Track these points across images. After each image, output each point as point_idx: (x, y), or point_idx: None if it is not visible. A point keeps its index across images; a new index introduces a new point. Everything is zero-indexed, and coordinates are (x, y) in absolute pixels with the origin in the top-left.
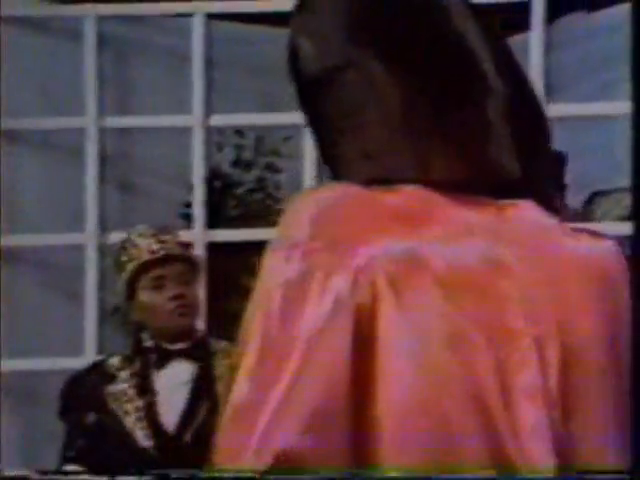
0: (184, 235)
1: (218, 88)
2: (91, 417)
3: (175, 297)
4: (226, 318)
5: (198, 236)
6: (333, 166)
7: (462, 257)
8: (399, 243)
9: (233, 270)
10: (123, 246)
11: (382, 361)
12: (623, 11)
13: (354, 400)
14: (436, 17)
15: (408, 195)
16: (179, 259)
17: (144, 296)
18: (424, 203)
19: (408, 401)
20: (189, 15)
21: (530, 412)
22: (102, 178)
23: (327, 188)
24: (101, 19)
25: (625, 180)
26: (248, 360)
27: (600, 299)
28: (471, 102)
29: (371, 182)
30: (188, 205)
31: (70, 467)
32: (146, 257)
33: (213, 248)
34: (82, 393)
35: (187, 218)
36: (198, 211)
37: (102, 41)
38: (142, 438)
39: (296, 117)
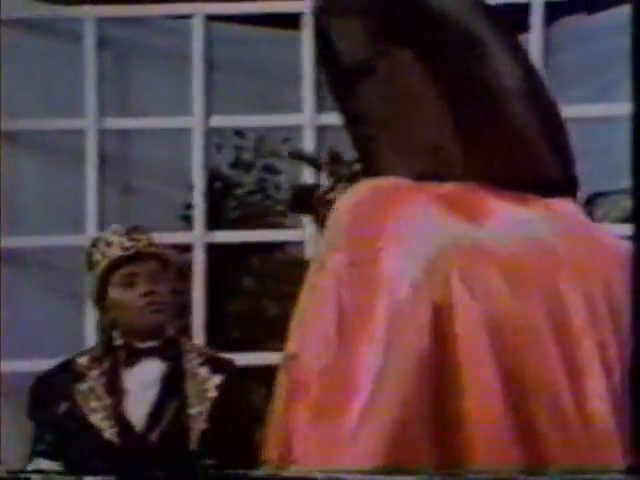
0: (184, 236)
1: (218, 89)
2: (59, 411)
3: (146, 294)
4: (226, 319)
5: (198, 237)
6: (373, 161)
7: (521, 249)
8: (462, 232)
9: (233, 271)
10: (95, 244)
11: (463, 362)
12: (622, 13)
13: (437, 393)
14: (457, 19)
15: (460, 188)
16: (150, 257)
17: (115, 293)
18: (476, 196)
19: (495, 406)
20: (189, 17)
21: (599, 411)
22: (102, 179)
23: (383, 179)
24: (101, 21)
25: (624, 182)
26: (324, 357)
27: (633, 289)
28: (497, 104)
29: (420, 178)
30: (188, 206)
31: (40, 461)
32: (118, 254)
33: (213, 249)
34: (50, 391)
35: (187, 219)
36: (198, 212)
37: (102, 43)
38: (109, 435)
39: (295, 118)
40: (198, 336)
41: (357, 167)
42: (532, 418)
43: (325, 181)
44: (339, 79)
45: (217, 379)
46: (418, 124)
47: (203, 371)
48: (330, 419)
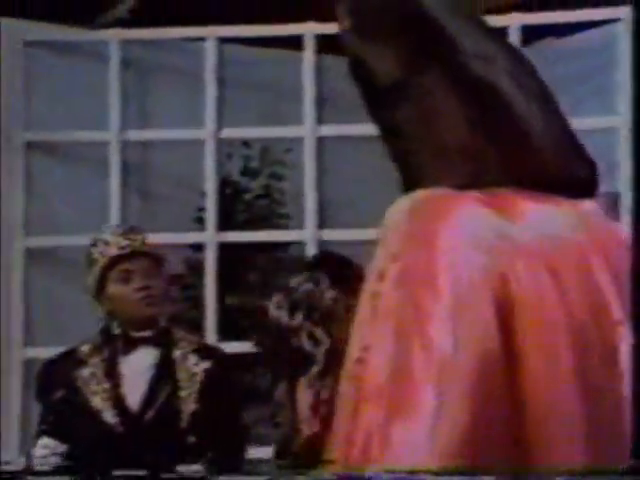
0: (198, 236)
1: (228, 104)
2: (59, 394)
3: (141, 289)
4: (232, 311)
5: (210, 237)
6: (413, 173)
7: (560, 245)
8: (509, 232)
9: (241, 267)
10: (95, 243)
11: (531, 354)
12: (586, 37)
13: (507, 388)
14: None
15: (496, 193)
16: (144, 255)
17: (113, 288)
18: (511, 199)
19: (558, 402)
20: (202, 39)
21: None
22: (124, 186)
23: (431, 191)
24: (124, 43)
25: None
26: (393, 358)
27: None
28: (515, 112)
29: (460, 186)
30: (201, 209)
31: (44, 438)
32: (115, 253)
33: (224, 248)
34: (55, 376)
35: (200, 221)
36: (210, 215)
37: (125, 63)
38: (108, 416)
39: (297, 130)
40: (210, 325)
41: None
42: (600, 413)
43: None
44: (374, 96)
45: (205, 364)
46: (452, 135)
47: (193, 357)
48: (405, 417)
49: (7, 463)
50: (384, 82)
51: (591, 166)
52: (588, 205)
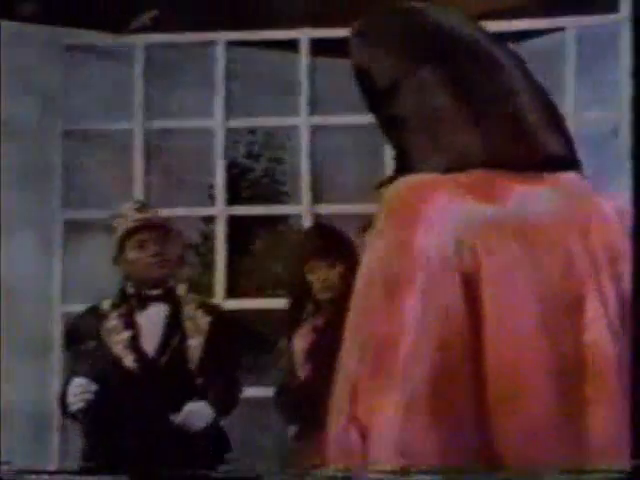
0: (209, 210)
1: (235, 98)
2: (90, 345)
3: (154, 255)
4: (240, 274)
5: (220, 211)
6: (408, 159)
7: (535, 221)
8: (485, 211)
9: (247, 237)
10: (115, 216)
11: (492, 319)
12: (541, 42)
13: (470, 353)
14: (469, 37)
15: (480, 174)
16: (157, 226)
17: (130, 254)
18: (488, 181)
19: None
20: (214, 43)
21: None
22: (146, 168)
23: (422, 176)
24: (147, 46)
25: None
26: (377, 326)
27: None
28: (503, 99)
29: (447, 170)
30: (212, 187)
31: (75, 379)
32: (132, 225)
33: (232, 221)
34: (82, 330)
35: (212, 198)
36: (219, 192)
37: (148, 63)
38: (128, 362)
39: (294, 120)
40: (219, 286)
41: None
42: (561, 369)
43: None
44: (373, 96)
45: (208, 318)
46: (443, 126)
47: (197, 313)
48: (384, 377)
49: (7, 463)
50: (381, 84)
51: (568, 143)
52: (571, 177)
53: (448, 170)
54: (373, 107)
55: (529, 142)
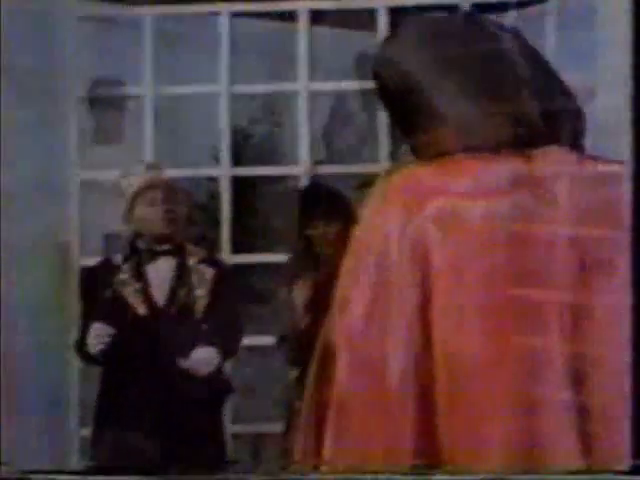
0: (214, 171)
1: (239, 65)
2: (107, 293)
3: (164, 211)
4: (245, 230)
5: (225, 172)
6: (409, 144)
7: (494, 209)
8: (448, 200)
9: (250, 196)
10: (126, 176)
11: (438, 296)
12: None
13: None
14: (481, 34)
15: (446, 163)
16: (165, 186)
17: (140, 211)
18: (458, 165)
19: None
20: (219, 13)
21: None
22: (156, 131)
23: (403, 169)
24: (156, 17)
25: None
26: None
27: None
28: (503, 87)
29: (436, 155)
30: (217, 149)
31: (94, 324)
32: (142, 184)
33: (235, 181)
34: (97, 280)
35: (216, 159)
36: (224, 154)
37: (156, 33)
38: (140, 310)
39: (293, 86)
40: (225, 241)
41: None
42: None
43: None
44: (391, 95)
45: (212, 271)
46: (447, 110)
47: (202, 266)
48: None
49: (6, 464)
50: (400, 84)
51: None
52: (554, 150)
53: (437, 155)
54: (387, 103)
55: (515, 117)
